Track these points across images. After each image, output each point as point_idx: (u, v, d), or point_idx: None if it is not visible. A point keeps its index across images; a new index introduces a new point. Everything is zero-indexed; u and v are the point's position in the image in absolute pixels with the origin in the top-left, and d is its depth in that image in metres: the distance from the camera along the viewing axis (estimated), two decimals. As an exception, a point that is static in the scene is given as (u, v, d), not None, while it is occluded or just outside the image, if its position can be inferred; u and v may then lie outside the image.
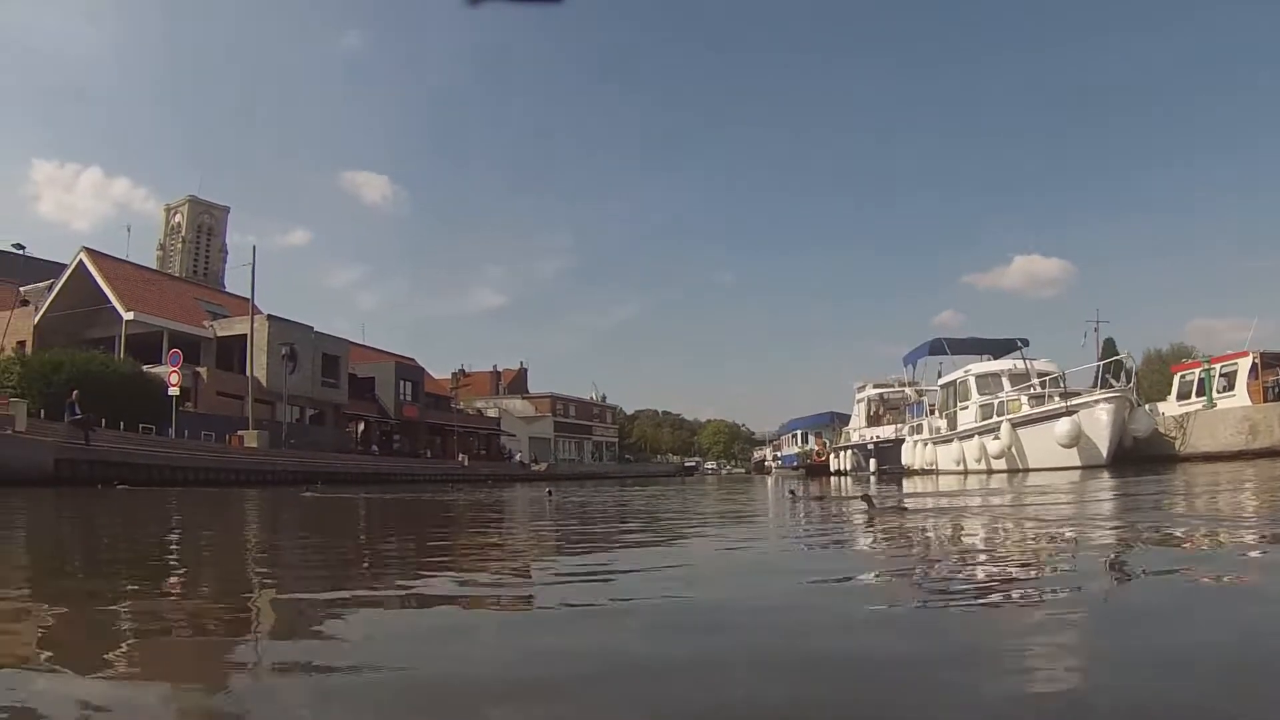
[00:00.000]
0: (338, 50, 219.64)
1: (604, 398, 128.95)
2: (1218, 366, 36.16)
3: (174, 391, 42.01)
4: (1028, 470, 33.67)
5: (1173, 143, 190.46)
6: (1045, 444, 33.72)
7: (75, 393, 31.08)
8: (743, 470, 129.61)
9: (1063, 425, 32.88)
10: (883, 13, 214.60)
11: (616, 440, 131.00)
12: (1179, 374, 39.72)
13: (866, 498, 12.31)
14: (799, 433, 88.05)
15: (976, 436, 38.10)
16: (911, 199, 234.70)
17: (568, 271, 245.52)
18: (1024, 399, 36.51)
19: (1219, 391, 35.10)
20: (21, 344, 50.27)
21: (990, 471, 35.79)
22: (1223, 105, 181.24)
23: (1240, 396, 33.75)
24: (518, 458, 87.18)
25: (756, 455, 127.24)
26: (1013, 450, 35.63)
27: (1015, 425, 35.66)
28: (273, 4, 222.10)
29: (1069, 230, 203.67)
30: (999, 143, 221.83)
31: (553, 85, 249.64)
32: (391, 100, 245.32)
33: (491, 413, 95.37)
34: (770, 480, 54.38)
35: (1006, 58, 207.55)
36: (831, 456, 65.23)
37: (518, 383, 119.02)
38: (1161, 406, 37.89)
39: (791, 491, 15.95)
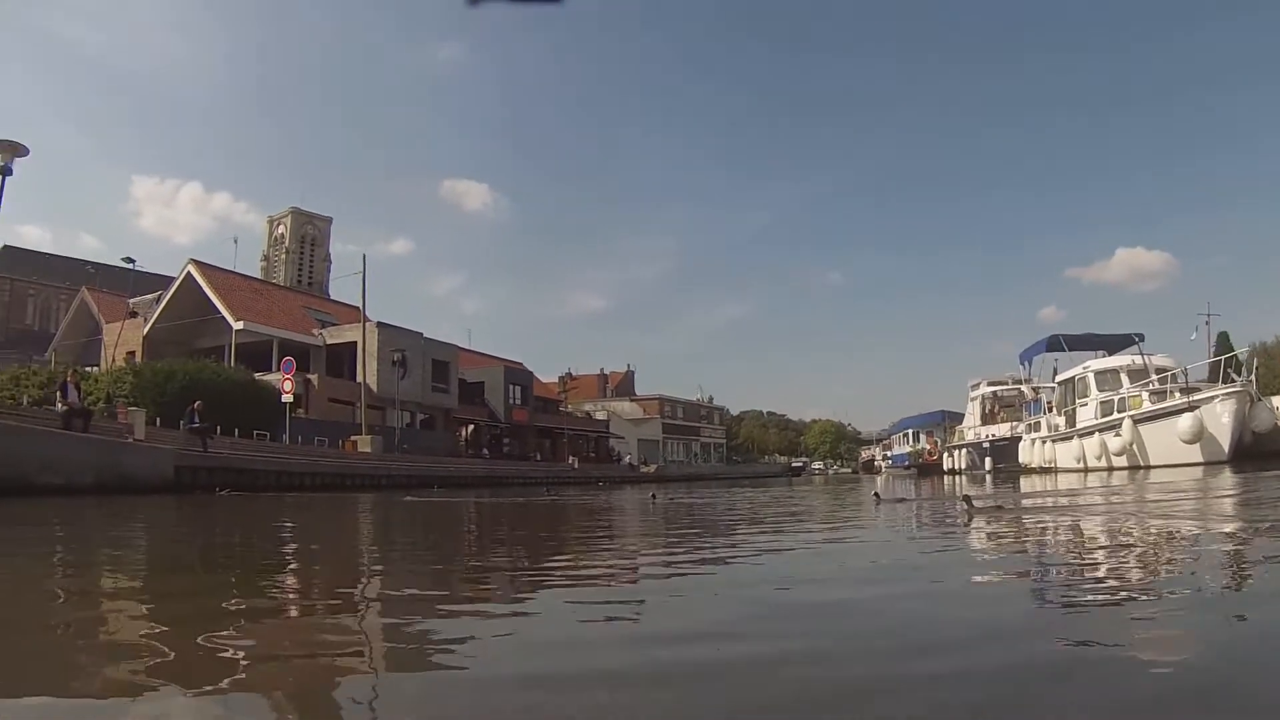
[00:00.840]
0: (435, 61, 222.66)
1: (710, 399, 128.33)
2: None
3: (288, 398, 41.74)
4: (1149, 467, 33.28)
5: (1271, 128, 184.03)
6: (1167, 440, 33.17)
7: (198, 403, 30.63)
8: (849, 470, 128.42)
9: (1184, 421, 32.21)
10: (978, 7, 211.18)
11: (724, 441, 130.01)
12: None
13: (966, 498, 12.05)
14: (910, 431, 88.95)
15: (1097, 433, 37.86)
16: (1011, 193, 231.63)
17: (670, 274, 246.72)
18: (1144, 395, 36.01)
19: None
20: (131, 354, 51.46)
21: (1111, 469, 35.67)
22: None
23: None
24: (627, 460, 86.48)
25: (864, 455, 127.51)
26: (1134, 447, 35.13)
27: (1136, 422, 35.20)
28: (369, 17, 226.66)
29: (1171, 221, 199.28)
30: (1098, 134, 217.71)
31: (651, 89, 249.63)
32: (489, 109, 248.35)
33: (600, 415, 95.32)
34: (880, 480, 53.76)
35: (1101, 46, 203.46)
36: (944, 455, 66.06)
37: (625, 385, 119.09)
38: (1276, 401, 36.06)
39: (876, 494, 15.10)
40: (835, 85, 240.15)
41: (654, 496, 18.50)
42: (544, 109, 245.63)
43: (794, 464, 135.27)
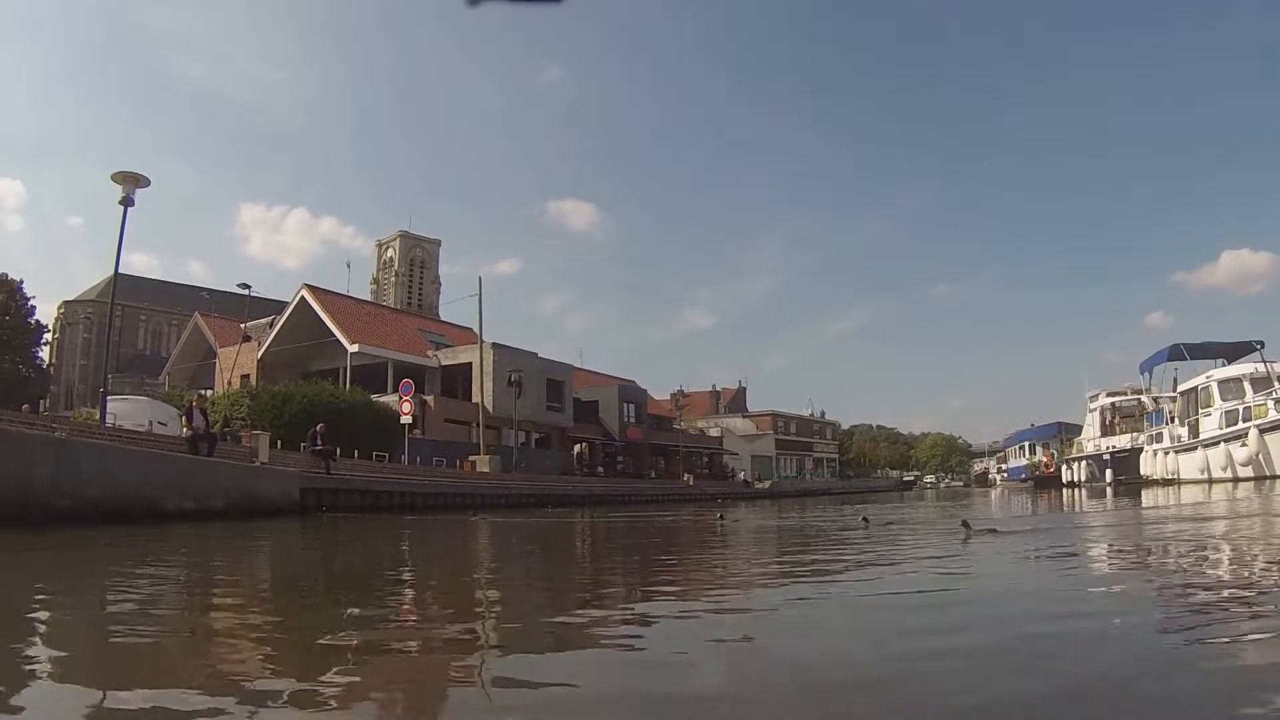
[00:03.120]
0: (537, 84, 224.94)
1: (822, 414, 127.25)
2: None
3: (406, 420, 41.64)
4: (1276, 477, 32.80)
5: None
6: None
7: (320, 425, 30.78)
8: (961, 483, 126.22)
9: None
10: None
11: (836, 456, 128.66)
12: None
13: (965, 523, 13.01)
14: (1027, 444, 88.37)
15: (1222, 444, 37.19)
16: (1114, 196, 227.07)
17: (778, 290, 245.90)
18: (1270, 404, 35.07)
19: None
20: (245, 378, 52.92)
21: (1237, 479, 34.95)
22: None
23: None
24: (741, 476, 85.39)
25: (977, 468, 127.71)
26: (1260, 457, 34.44)
27: (1262, 431, 34.47)
28: (474, 40, 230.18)
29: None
30: (1201, 136, 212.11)
31: (753, 107, 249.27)
32: (592, 131, 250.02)
33: (714, 432, 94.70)
34: (995, 493, 56.55)
35: (1189, 50, 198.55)
36: (1062, 467, 66.44)
37: (737, 402, 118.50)
38: None
39: (965, 523, 13.37)
40: (940, 102, 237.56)
41: (721, 518, 17.64)
42: (646, 129, 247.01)
43: (905, 478, 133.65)
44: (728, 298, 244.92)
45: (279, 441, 31.73)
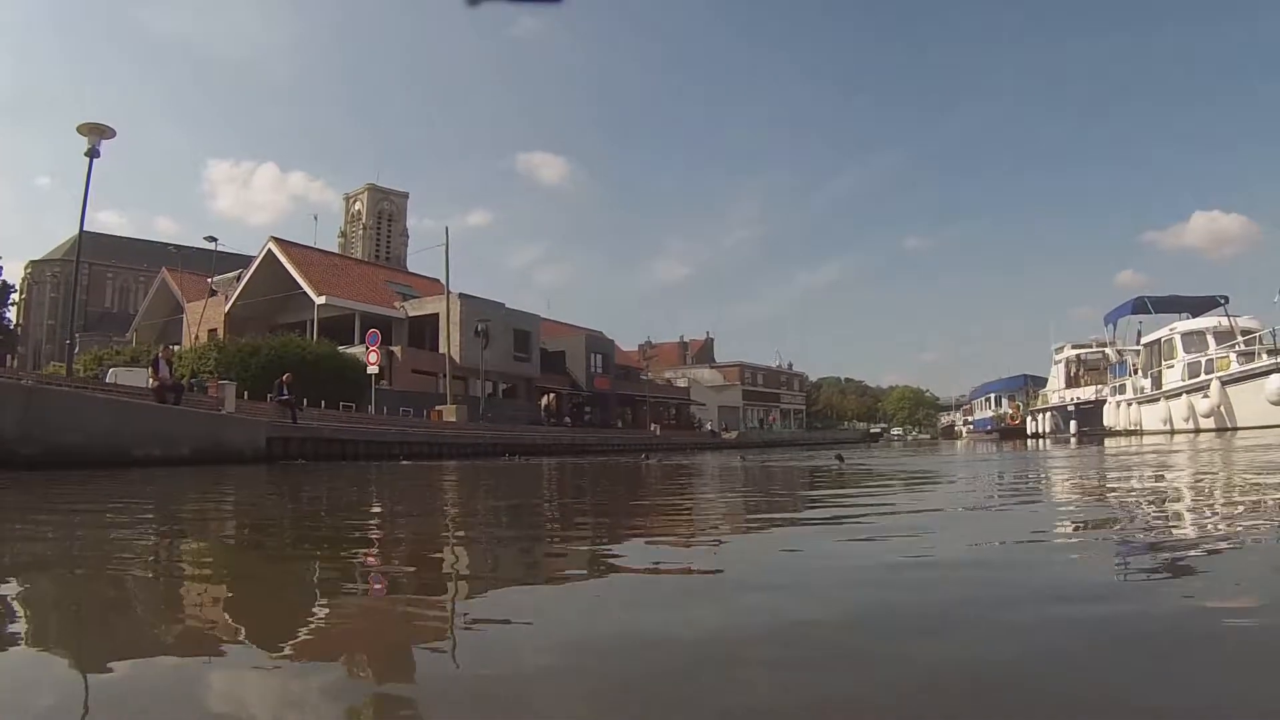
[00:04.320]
0: (510, 35, 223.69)
1: (790, 365, 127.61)
2: None
3: (373, 370, 42.17)
4: (1236, 429, 33.07)
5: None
6: (1254, 402, 32.73)
7: (287, 375, 30.88)
8: (928, 436, 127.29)
9: (1273, 383, 31.71)
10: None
11: (803, 408, 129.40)
12: None
13: (839, 455, 15.46)
14: (992, 396, 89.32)
15: (1184, 395, 37.57)
16: (1087, 157, 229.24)
17: (750, 242, 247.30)
18: (1232, 356, 35.50)
19: None
20: (213, 332, 53.03)
21: (1198, 430, 35.46)
22: None
23: None
24: (708, 426, 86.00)
25: (944, 420, 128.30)
26: (1221, 409, 34.76)
27: (1224, 383, 34.83)
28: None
29: (1250, 185, 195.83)
30: (1172, 100, 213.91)
31: (730, 60, 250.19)
32: (567, 82, 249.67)
33: (681, 383, 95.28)
34: (960, 444, 55.62)
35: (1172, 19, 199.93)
36: (1027, 419, 66.77)
37: (704, 353, 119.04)
38: None
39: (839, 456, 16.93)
40: (917, 57, 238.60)
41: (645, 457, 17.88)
42: (621, 82, 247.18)
43: (872, 430, 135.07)
44: (700, 250, 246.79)
45: (245, 393, 32.09)
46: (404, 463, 25.49)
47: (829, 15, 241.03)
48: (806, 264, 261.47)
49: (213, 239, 52.89)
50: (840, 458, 17.47)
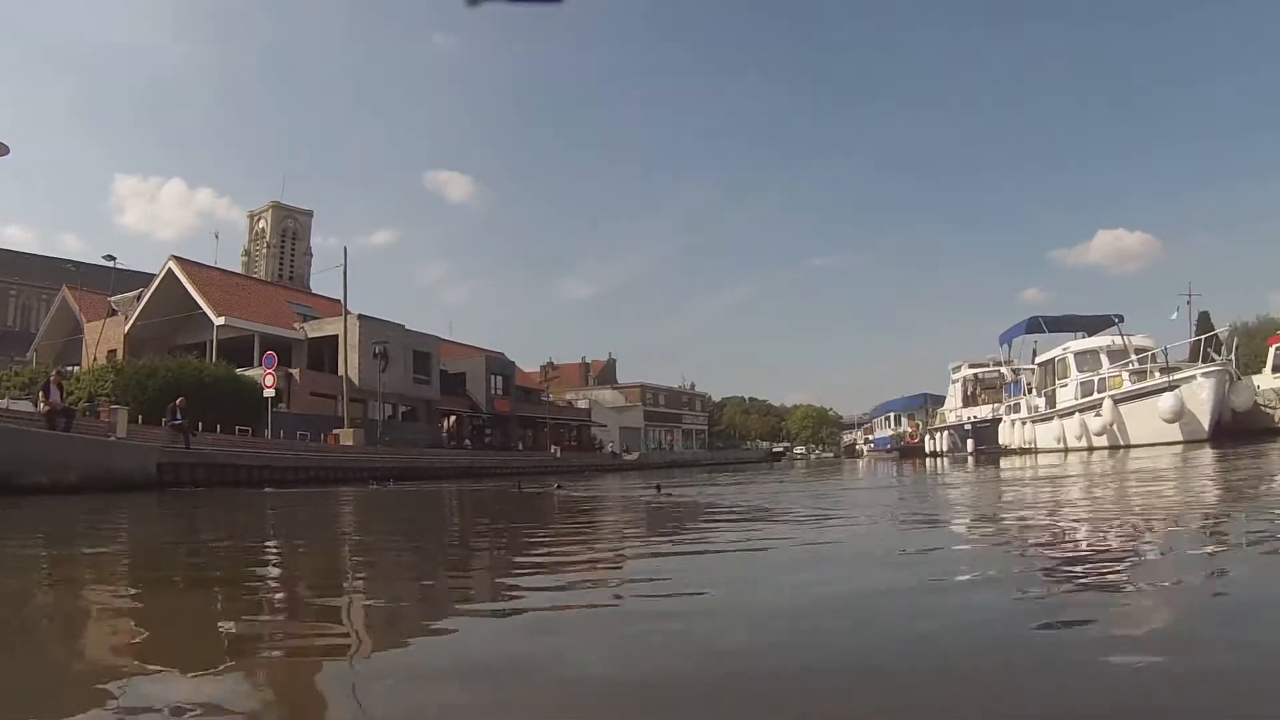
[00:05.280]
0: (420, 53, 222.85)
1: (692, 386, 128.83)
2: None
3: (269, 393, 41.92)
4: (1129, 446, 33.61)
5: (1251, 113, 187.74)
6: (1147, 420, 33.61)
7: (180, 399, 30.81)
8: (831, 454, 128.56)
9: (1165, 401, 32.65)
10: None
11: (705, 428, 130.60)
12: (1274, 346, 38.47)
13: (658, 485, 15.29)
14: (892, 415, 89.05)
15: (1077, 414, 38.19)
16: (993, 178, 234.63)
17: (655, 264, 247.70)
18: (1125, 375, 36.30)
19: None
20: (113, 352, 51.84)
21: (1091, 448, 35.97)
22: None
23: None
24: (609, 448, 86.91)
25: (847, 439, 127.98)
26: (1114, 427, 35.64)
27: (1117, 401, 35.56)
28: (355, 8, 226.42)
29: (1152, 203, 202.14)
30: (1079, 118, 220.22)
31: (637, 82, 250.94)
32: (474, 101, 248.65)
33: (582, 404, 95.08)
34: (862, 463, 54.11)
35: (1070, 29, 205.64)
36: (926, 438, 66.62)
37: (606, 373, 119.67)
38: (1257, 379, 36.88)
39: (658, 486, 16.62)
40: (824, 75, 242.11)
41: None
42: (527, 103, 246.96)
43: (775, 449, 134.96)
44: (605, 271, 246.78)
45: (140, 417, 32.09)
46: (267, 490, 24.85)
47: (733, 45, 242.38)
48: (712, 285, 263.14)
49: (111, 258, 52.02)
50: (659, 487, 17.27)
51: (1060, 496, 12.06)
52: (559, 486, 19.63)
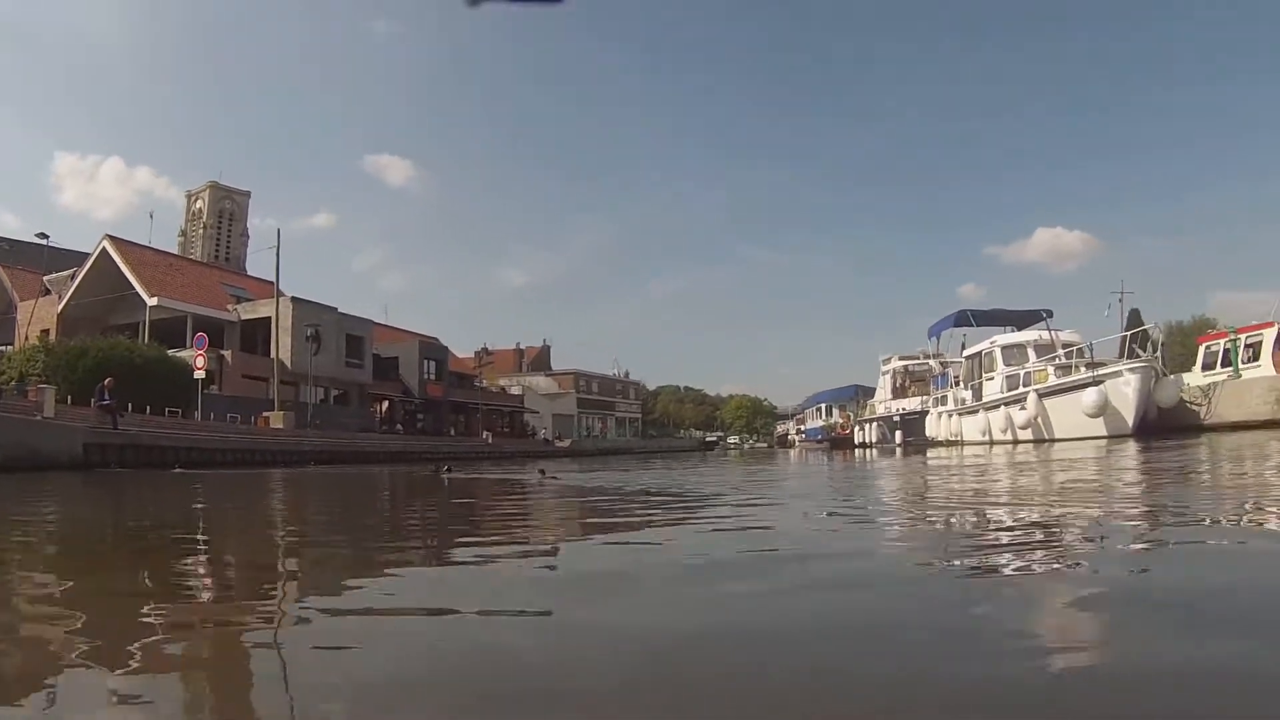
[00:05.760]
0: (361, 36, 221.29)
1: (626, 374, 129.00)
2: (1243, 337, 35.71)
3: (200, 375, 41.91)
4: (1054, 440, 33.64)
5: (1194, 123, 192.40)
6: (1071, 414, 33.83)
7: (108, 380, 30.78)
8: (765, 445, 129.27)
9: (1089, 395, 32.94)
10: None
11: (639, 416, 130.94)
12: (1204, 345, 39.31)
13: (541, 470, 15.62)
14: (823, 406, 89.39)
15: (1003, 407, 38.39)
16: (935, 174, 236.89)
17: (592, 251, 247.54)
18: (1050, 369, 36.51)
19: (1244, 362, 34.87)
20: (45, 332, 51.27)
21: (1016, 441, 35.87)
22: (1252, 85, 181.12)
23: (1265, 367, 33.42)
24: (542, 434, 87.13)
25: (779, 429, 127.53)
26: (1039, 420, 35.79)
27: (1042, 395, 35.80)
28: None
29: (1094, 207, 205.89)
30: (1023, 118, 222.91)
31: (580, 69, 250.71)
32: (417, 85, 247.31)
33: (515, 390, 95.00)
34: (794, 453, 54.42)
35: (1031, 33, 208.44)
36: (856, 429, 66.70)
37: (540, 360, 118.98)
38: (1186, 377, 37.38)
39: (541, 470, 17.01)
40: (766, 74, 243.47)
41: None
42: (472, 87, 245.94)
43: (708, 438, 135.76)
44: (542, 258, 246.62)
45: (69, 397, 32.26)
46: (176, 471, 24.47)
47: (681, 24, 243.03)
48: (649, 274, 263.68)
49: (44, 235, 51.99)
50: (543, 471, 17.48)
51: (961, 483, 12.52)
52: (449, 469, 20.37)
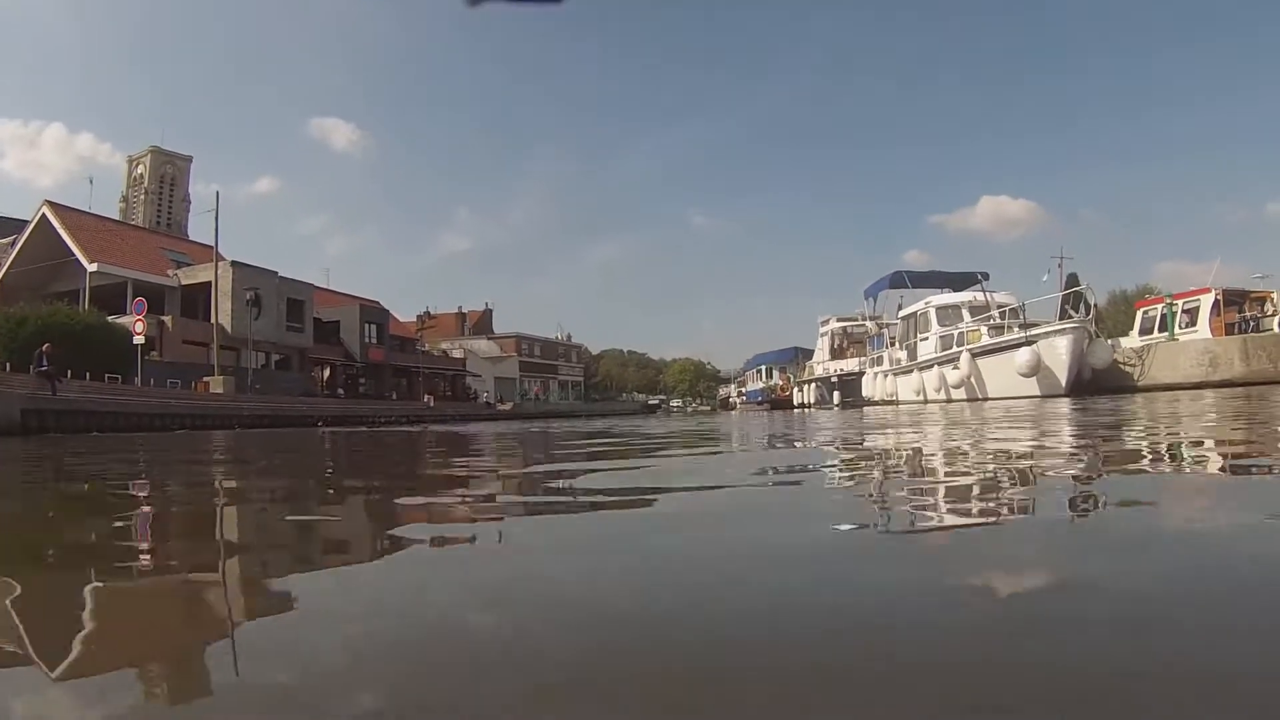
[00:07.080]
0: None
1: (569, 337, 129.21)
2: (1180, 303, 36.31)
3: (139, 340, 42.32)
4: (987, 399, 34.20)
5: (1146, 93, 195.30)
6: (1004, 374, 34.29)
7: (46, 345, 31.57)
8: (708, 408, 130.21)
9: (1022, 355, 33.32)
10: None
11: (582, 380, 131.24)
12: (1142, 309, 40.07)
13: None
14: (764, 368, 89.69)
15: (936, 367, 39.18)
16: (882, 142, 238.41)
17: (536, 216, 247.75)
18: (984, 329, 37.11)
19: (1181, 328, 35.42)
20: None
21: (950, 400, 36.60)
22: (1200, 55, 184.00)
23: (1202, 331, 34.06)
24: (484, 398, 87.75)
25: (722, 392, 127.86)
26: (972, 380, 36.38)
27: (975, 355, 36.42)
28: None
29: (1038, 175, 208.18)
30: (971, 88, 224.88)
31: (526, 33, 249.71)
32: (361, 48, 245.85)
33: (457, 354, 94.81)
34: (734, 415, 55.49)
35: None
36: (795, 390, 67.52)
37: (483, 324, 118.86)
38: (1124, 341, 38.29)
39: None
40: (711, 37, 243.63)
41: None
42: (417, 49, 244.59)
43: (650, 401, 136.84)
44: (487, 223, 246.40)
45: (8, 364, 32.90)
46: (95, 434, 24.88)
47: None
48: (594, 239, 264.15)
49: (-21, 202, 52.32)
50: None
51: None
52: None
